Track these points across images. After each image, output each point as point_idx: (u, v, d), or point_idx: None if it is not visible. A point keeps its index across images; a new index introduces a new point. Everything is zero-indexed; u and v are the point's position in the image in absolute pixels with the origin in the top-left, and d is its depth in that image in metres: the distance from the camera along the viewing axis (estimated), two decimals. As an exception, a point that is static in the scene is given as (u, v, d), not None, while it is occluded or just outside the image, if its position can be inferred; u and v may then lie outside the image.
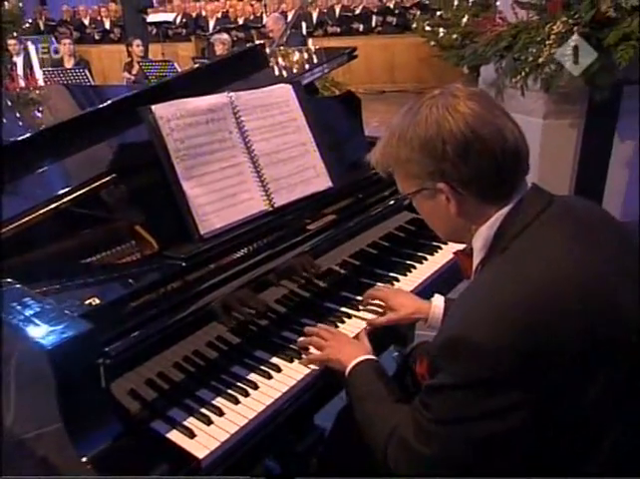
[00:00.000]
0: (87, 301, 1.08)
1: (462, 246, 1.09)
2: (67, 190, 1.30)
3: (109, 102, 1.54)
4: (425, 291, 1.52)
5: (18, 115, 2.28)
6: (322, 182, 1.54)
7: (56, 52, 7.15)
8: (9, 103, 2.96)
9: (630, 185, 3.47)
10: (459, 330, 0.85)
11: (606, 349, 0.84)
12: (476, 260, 0.99)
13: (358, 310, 1.43)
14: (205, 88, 1.57)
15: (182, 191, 1.28)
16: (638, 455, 0.91)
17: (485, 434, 0.84)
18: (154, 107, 1.29)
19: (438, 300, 1.35)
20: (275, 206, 1.43)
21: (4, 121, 2.12)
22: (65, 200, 1.28)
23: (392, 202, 1.68)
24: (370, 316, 1.41)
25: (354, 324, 1.39)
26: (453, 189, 0.92)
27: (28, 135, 1.43)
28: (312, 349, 1.26)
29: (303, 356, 1.25)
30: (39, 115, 2.28)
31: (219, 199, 1.34)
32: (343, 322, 1.39)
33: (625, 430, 0.89)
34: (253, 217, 1.38)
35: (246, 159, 1.42)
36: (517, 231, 0.91)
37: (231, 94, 1.44)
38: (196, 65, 5.36)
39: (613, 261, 0.91)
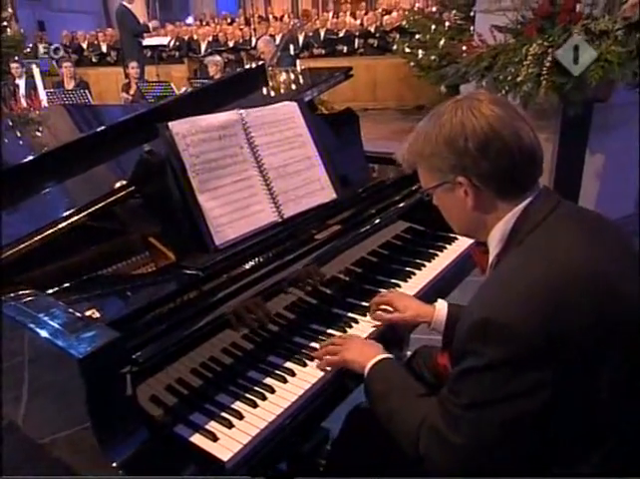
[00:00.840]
0: (111, 311, 1.06)
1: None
2: (87, 203, 1.27)
3: (125, 118, 1.52)
4: (426, 296, 1.52)
5: (18, 134, 2.26)
6: (327, 194, 1.54)
7: (46, 71, 7.09)
8: (10, 123, 2.92)
9: (601, 193, 3.54)
10: (487, 313, 0.85)
11: (615, 333, 0.86)
12: (492, 255, 1.01)
13: (364, 315, 1.42)
14: (213, 105, 1.57)
15: (198, 203, 1.27)
16: None
17: (513, 415, 0.84)
18: (170, 124, 1.28)
19: (441, 305, 1.35)
20: (284, 217, 1.42)
21: (6, 140, 2.10)
22: (85, 213, 1.26)
23: (389, 211, 1.69)
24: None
25: (361, 329, 1.38)
26: (471, 182, 0.95)
27: (51, 149, 1.40)
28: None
29: (317, 361, 1.24)
30: (38, 134, 2.25)
31: (232, 211, 1.33)
32: (350, 327, 1.38)
33: (635, 413, 0.90)
34: (264, 227, 1.37)
35: (256, 172, 1.41)
36: (532, 226, 0.94)
37: (242, 111, 1.43)
38: (194, 85, 5.38)
39: (616, 256, 0.94)
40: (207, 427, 1.06)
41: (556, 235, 0.93)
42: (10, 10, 7.58)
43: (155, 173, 1.26)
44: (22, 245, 1.17)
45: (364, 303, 1.47)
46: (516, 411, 0.84)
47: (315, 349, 1.29)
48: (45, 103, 5.46)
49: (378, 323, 1.38)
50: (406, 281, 1.60)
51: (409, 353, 2.03)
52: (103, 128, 1.51)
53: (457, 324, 0.95)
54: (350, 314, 1.43)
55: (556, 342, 0.82)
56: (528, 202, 0.96)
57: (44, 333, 0.96)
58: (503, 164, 0.92)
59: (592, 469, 0.89)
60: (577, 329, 0.83)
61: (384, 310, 1.40)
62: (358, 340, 1.27)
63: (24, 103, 5.58)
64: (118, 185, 1.32)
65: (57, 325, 0.97)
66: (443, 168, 0.97)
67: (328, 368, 1.21)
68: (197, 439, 1.04)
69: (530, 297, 0.84)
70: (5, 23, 7.33)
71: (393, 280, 1.60)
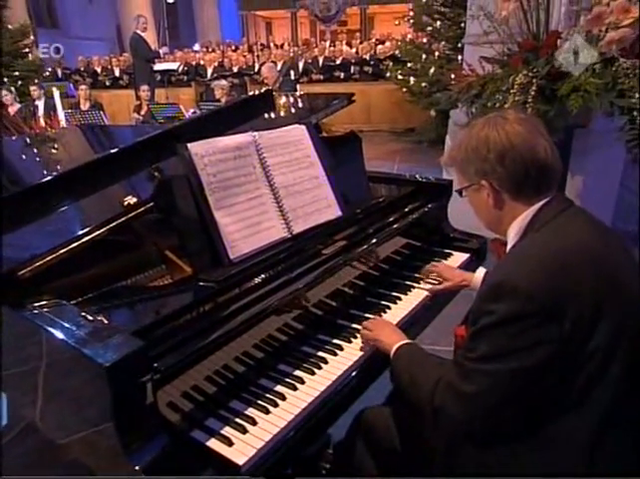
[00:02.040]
0: (133, 321, 1.05)
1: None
2: (107, 218, 1.26)
3: (144, 137, 1.52)
4: (424, 307, 1.52)
5: (35, 151, 2.25)
6: (333, 211, 1.54)
7: (73, 96, 7.15)
8: (28, 141, 2.93)
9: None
10: (499, 276, 0.96)
11: (609, 307, 0.93)
12: (509, 246, 1.10)
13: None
14: (226, 126, 1.57)
15: (214, 220, 1.26)
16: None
17: (519, 368, 0.91)
18: (189, 145, 1.28)
19: (479, 272, 1.58)
20: (293, 233, 1.42)
21: (24, 157, 2.10)
22: (106, 228, 1.25)
23: (389, 228, 1.69)
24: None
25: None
26: (491, 185, 1.06)
27: (76, 167, 1.40)
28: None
29: (333, 357, 1.28)
30: (54, 151, 2.25)
31: (246, 227, 1.32)
32: (355, 337, 1.37)
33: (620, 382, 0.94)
34: (275, 243, 1.37)
35: (268, 191, 1.41)
36: (547, 220, 1.03)
37: (255, 133, 1.44)
38: (201, 108, 5.39)
39: (619, 253, 1.03)
40: (223, 432, 1.05)
41: (567, 225, 1.02)
42: (32, 37, 7.65)
43: (174, 190, 1.26)
44: (48, 258, 1.16)
45: (367, 315, 1.47)
46: (521, 362, 0.91)
47: (322, 358, 1.28)
48: (64, 123, 5.47)
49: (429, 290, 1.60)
50: (406, 294, 1.59)
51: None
52: (124, 146, 1.50)
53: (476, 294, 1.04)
54: (354, 325, 1.42)
55: (559, 302, 0.90)
56: (543, 203, 1.05)
57: (71, 341, 0.94)
58: (517, 171, 1.02)
59: (581, 421, 0.93)
60: (578, 293, 0.91)
61: (434, 278, 1.64)
62: (389, 325, 1.35)
63: (42, 122, 5.59)
64: (135, 201, 1.32)
65: (83, 334, 0.96)
66: (470, 172, 1.10)
67: (356, 357, 1.28)
68: (214, 444, 1.02)
69: (539, 263, 0.94)
70: (27, 49, 7.42)
71: (394, 293, 1.59)
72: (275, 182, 1.43)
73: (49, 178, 1.39)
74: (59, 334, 0.98)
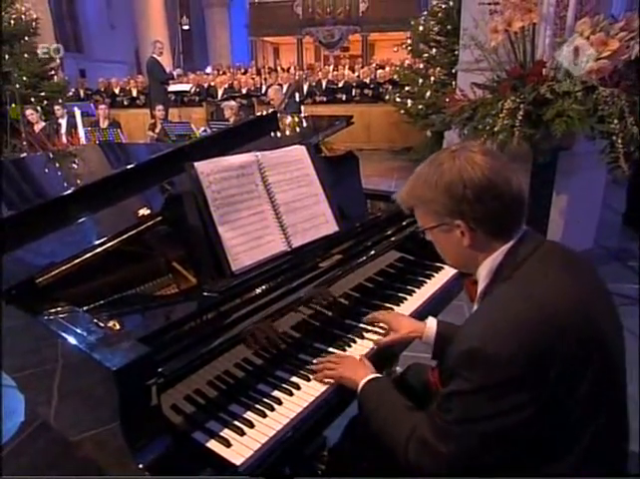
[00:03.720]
0: (139, 327, 1.05)
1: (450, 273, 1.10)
2: (120, 230, 1.28)
3: (155, 156, 1.54)
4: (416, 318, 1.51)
5: (56, 166, 2.28)
6: (330, 227, 1.55)
7: (93, 115, 7.26)
8: (51, 156, 2.96)
9: (565, 228, 3.57)
10: (476, 343, 0.85)
11: (590, 360, 0.86)
12: (480, 286, 1.00)
13: (362, 337, 1.42)
14: (235, 145, 1.59)
15: (218, 234, 1.28)
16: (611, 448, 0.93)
17: (497, 429, 0.85)
18: (196, 164, 1.30)
19: (431, 322, 1.36)
20: (293, 247, 1.43)
21: (47, 171, 2.12)
22: (119, 239, 1.26)
23: (384, 243, 1.69)
24: (374, 337, 1.40)
25: (360, 347, 1.37)
26: (468, 225, 0.95)
27: (90, 183, 1.42)
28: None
29: (319, 375, 1.23)
30: (72, 167, 2.28)
31: (248, 241, 1.33)
32: (350, 346, 1.37)
33: (603, 426, 0.90)
34: (275, 256, 1.38)
35: (269, 207, 1.42)
36: (518, 263, 0.94)
37: (258, 153, 1.45)
38: (211, 127, 5.44)
39: (593, 293, 0.95)
40: (222, 434, 1.05)
41: (539, 272, 0.92)
42: (58, 61, 7.77)
43: (181, 205, 1.27)
44: (63, 267, 1.17)
45: (361, 325, 1.47)
46: (497, 427, 0.85)
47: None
48: (84, 140, 5.53)
49: (376, 338, 1.39)
50: (398, 306, 1.59)
51: (398, 369, 2.02)
52: (136, 164, 1.52)
53: (447, 348, 0.95)
54: (349, 335, 1.42)
55: (535, 369, 0.82)
56: (515, 241, 0.96)
57: (82, 346, 0.95)
58: (496, 208, 0.93)
59: (567, 469, 0.89)
60: (555, 356, 0.83)
61: (380, 327, 1.42)
62: (352, 360, 1.26)
63: (64, 140, 5.66)
64: (145, 214, 1.33)
65: (94, 340, 0.97)
66: (441, 211, 0.97)
67: (327, 382, 1.21)
68: (213, 445, 1.02)
69: (513, 331, 0.84)
70: (53, 72, 7.54)
71: (387, 304, 1.59)
72: (276, 199, 1.44)
73: (68, 191, 1.41)
74: (72, 339, 0.99)
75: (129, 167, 1.50)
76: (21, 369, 1.22)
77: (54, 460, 1.46)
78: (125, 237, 1.27)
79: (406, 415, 1.02)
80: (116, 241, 1.26)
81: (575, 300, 0.89)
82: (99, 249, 1.23)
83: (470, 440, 0.87)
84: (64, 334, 1.00)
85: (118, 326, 1.05)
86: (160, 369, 0.96)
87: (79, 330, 1.00)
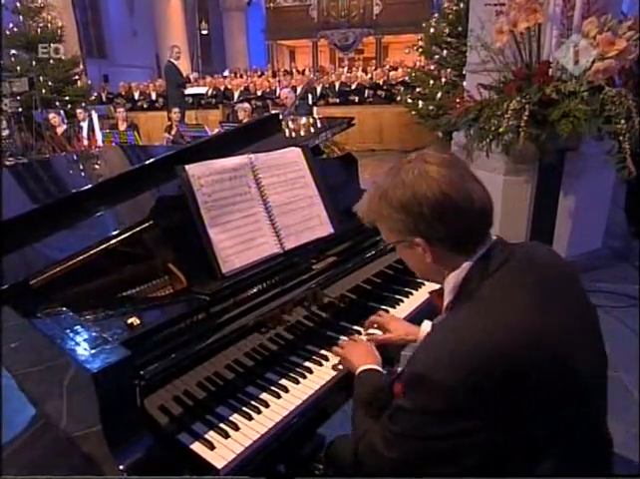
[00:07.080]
0: (126, 330, 1.04)
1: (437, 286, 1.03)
2: (115, 232, 1.27)
3: (150, 161, 1.53)
4: (412, 321, 1.47)
5: (81, 167, 2.31)
6: (325, 229, 1.51)
7: (107, 117, 7.38)
8: (75, 157, 3.01)
9: (572, 229, 3.48)
10: (422, 368, 0.81)
11: (549, 382, 0.79)
12: (446, 299, 0.94)
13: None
14: (234, 147, 1.57)
15: (208, 236, 1.25)
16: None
17: (438, 449, 0.82)
18: (187, 167, 1.28)
19: (426, 325, 1.33)
20: (286, 249, 1.40)
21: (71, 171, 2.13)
22: (113, 241, 1.25)
23: (381, 245, 1.65)
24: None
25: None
26: (428, 243, 0.88)
27: (86, 187, 1.41)
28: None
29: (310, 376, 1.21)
30: (97, 167, 2.29)
31: (239, 243, 1.31)
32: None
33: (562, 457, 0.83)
34: (267, 258, 1.35)
35: (262, 209, 1.40)
36: (481, 280, 0.86)
37: (251, 155, 1.43)
38: (224, 127, 5.44)
39: (563, 308, 0.86)
40: (207, 436, 1.03)
41: (499, 293, 0.84)
42: (81, 66, 7.92)
43: (174, 208, 1.25)
44: (59, 268, 1.16)
45: (356, 327, 1.44)
46: (439, 447, 0.81)
47: (309, 369, 1.25)
48: (100, 142, 5.60)
49: (369, 337, 1.37)
50: (394, 308, 1.56)
51: (399, 369, 1.98)
52: (135, 167, 1.52)
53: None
54: (343, 337, 1.39)
55: (475, 400, 0.77)
56: (481, 254, 0.88)
57: (66, 348, 0.94)
58: (458, 226, 0.86)
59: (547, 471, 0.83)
60: (506, 390, 0.77)
61: (376, 329, 1.39)
62: (364, 347, 1.26)
63: (85, 142, 5.74)
64: (140, 216, 1.31)
65: (79, 342, 0.96)
66: (401, 229, 0.90)
67: (320, 380, 1.20)
68: (197, 447, 1.01)
69: (457, 361, 0.78)
70: (77, 77, 7.68)
71: (383, 307, 1.56)
72: (270, 200, 1.41)
73: (72, 192, 1.41)
74: (57, 340, 0.98)
75: (125, 171, 1.49)
76: (26, 367, 1.21)
77: (58, 454, 1.45)
78: (119, 239, 1.25)
79: (369, 414, 1.01)
80: (109, 244, 1.24)
81: (533, 325, 0.81)
82: (92, 251, 1.21)
83: (411, 454, 0.85)
84: (50, 334, 0.99)
85: (103, 328, 1.03)
86: (142, 372, 0.95)
87: (65, 332, 0.99)
